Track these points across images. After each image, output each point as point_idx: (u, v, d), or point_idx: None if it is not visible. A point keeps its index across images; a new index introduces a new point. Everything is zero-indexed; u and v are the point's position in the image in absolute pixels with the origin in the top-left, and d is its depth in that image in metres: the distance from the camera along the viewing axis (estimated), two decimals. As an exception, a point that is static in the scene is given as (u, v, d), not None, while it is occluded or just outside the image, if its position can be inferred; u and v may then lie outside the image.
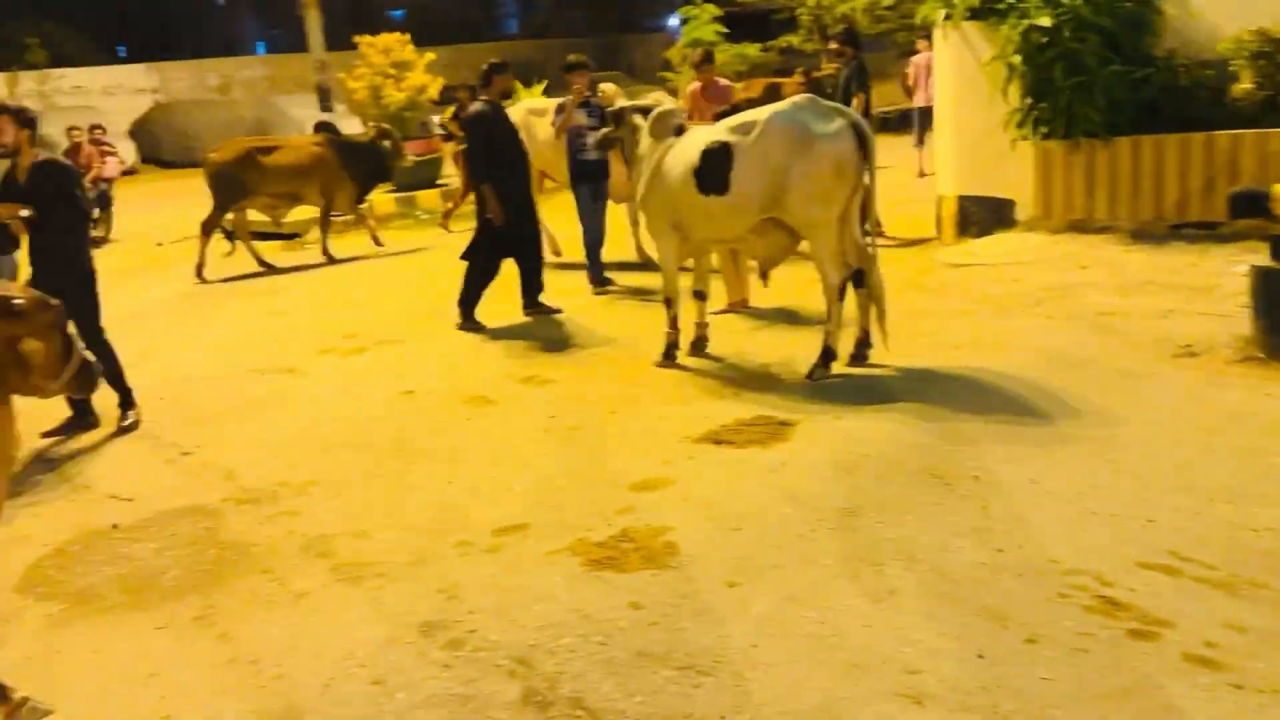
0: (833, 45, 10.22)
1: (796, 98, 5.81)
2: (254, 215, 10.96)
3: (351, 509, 4.51)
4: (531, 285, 7.71)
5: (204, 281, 10.23)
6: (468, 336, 7.32)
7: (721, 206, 5.71)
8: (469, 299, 7.52)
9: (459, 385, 6.15)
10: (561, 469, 4.77)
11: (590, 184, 8.31)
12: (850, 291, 5.73)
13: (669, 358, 6.22)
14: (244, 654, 3.39)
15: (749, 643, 3.19)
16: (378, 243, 11.18)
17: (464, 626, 3.43)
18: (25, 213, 5.51)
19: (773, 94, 8.62)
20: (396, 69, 16.39)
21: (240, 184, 10.35)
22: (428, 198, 14.21)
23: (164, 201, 17.01)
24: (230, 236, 11.13)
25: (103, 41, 34.05)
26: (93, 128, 14.88)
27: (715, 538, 3.92)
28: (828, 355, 5.71)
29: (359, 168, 10.92)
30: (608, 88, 8.71)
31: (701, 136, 5.87)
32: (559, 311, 7.65)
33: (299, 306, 8.87)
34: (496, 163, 7.42)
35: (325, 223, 11.04)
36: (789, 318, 7.03)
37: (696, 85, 8.83)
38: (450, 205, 12.46)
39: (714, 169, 5.66)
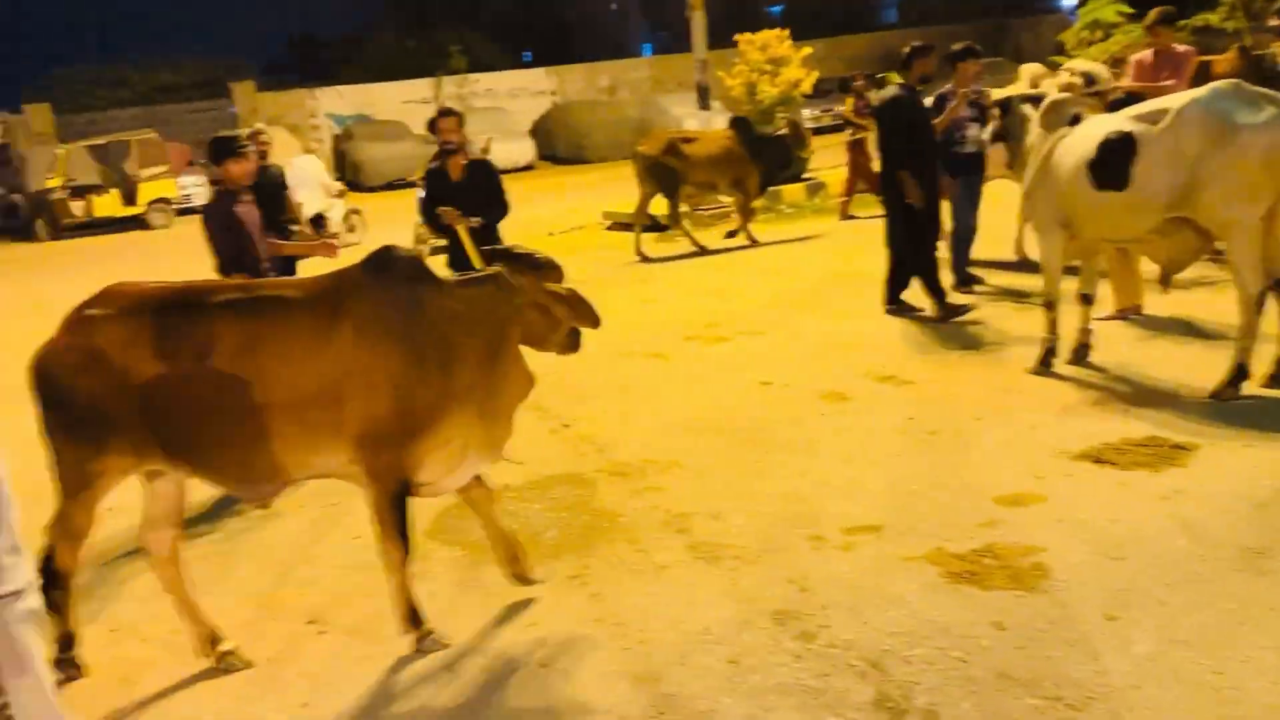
0: (1276, 21, 8.85)
1: (1219, 83, 5.18)
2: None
3: (709, 491, 4.69)
4: (898, 282, 7.53)
5: (704, 250, 11.16)
6: (827, 330, 7.30)
7: (1119, 203, 5.23)
8: (894, 285, 7.48)
9: (816, 379, 6.15)
10: (918, 473, 4.63)
11: (964, 177, 7.93)
12: (1271, 302, 5.03)
13: (1045, 365, 5.82)
14: (610, 615, 3.64)
15: (1129, 683, 2.92)
16: (752, 240, 11.40)
17: (816, 620, 3.44)
18: (475, 222, 6.16)
19: (1203, 74, 7.48)
20: (772, 65, 16.64)
21: (675, 172, 11.04)
22: (791, 191, 14.33)
23: (557, 195, 18.63)
24: (671, 224, 11.57)
25: (510, 47, 37.78)
26: None
27: (1093, 564, 3.62)
28: (1239, 373, 5.05)
29: (764, 159, 11.24)
30: (1033, 68, 8.10)
31: (1099, 126, 5.41)
32: (922, 311, 7.41)
33: (667, 295, 9.33)
34: (911, 149, 7.23)
35: (747, 212, 11.42)
36: (1188, 329, 6.30)
37: (1146, 53, 7.68)
38: (844, 198, 12.52)
39: (1112, 161, 5.19)
